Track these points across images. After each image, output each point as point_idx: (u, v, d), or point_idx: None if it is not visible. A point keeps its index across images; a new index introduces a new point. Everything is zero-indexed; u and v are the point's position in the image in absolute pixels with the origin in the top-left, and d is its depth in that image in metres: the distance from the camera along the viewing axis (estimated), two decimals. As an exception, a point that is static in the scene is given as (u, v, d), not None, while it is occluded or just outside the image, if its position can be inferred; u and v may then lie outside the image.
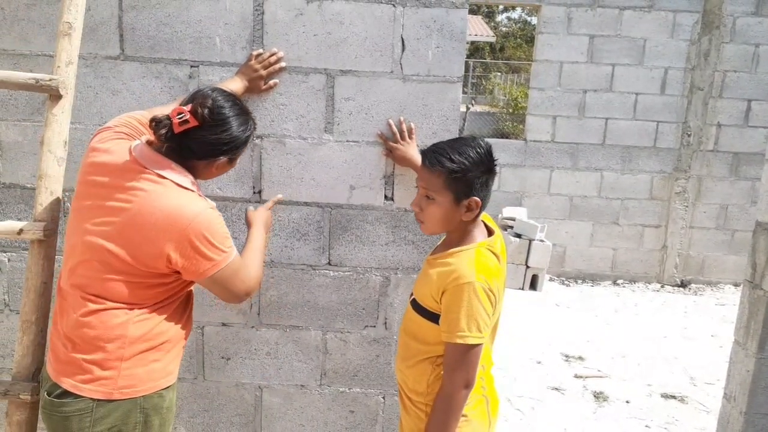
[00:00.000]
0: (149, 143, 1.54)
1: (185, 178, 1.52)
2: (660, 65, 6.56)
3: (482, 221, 1.71)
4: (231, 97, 1.56)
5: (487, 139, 1.63)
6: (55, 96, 1.74)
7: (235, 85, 1.99)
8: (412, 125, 2.11)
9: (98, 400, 1.48)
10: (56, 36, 1.78)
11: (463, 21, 2.07)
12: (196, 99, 1.50)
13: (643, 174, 6.80)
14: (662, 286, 6.90)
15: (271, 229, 2.04)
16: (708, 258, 6.94)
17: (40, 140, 1.73)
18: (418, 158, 2.06)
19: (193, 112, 1.46)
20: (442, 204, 1.59)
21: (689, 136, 6.63)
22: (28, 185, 2.17)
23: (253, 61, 2.04)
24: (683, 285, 6.93)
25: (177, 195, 1.49)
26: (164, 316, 1.56)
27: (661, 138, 6.71)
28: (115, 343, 1.49)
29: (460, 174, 1.55)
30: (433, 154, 1.59)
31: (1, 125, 2.14)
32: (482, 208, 1.62)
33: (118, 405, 1.49)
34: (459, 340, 1.52)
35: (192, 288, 1.69)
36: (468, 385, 1.55)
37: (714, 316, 5.96)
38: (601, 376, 4.35)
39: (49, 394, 1.51)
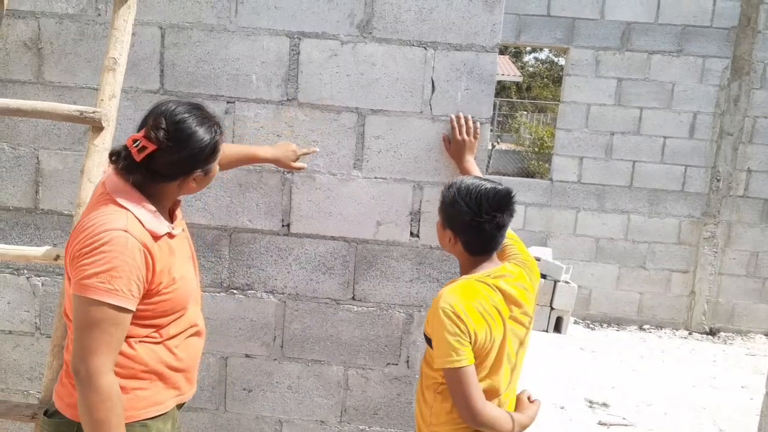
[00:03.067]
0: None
1: (134, 204, 1.42)
2: (689, 109, 6.54)
3: (496, 258, 1.73)
4: (189, 106, 1.46)
5: (515, 192, 1.66)
6: (98, 128, 1.81)
7: (265, 152, 2.04)
8: (479, 125, 2.13)
9: (80, 423, 1.44)
10: (101, 70, 1.86)
11: (493, 64, 2.11)
12: (149, 121, 1.42)
13: (671, 218, 6.72)
14: (690, 333, 6.74)
15: None
16: (738, 306, 6.77)
17: (81, 169, 1.80)
18: (466, 160, 2.10)
19: (146, 137, 1.39)
20: (438, 223, 1.73)
21: (718, 181, 6.55)
22: (66, 212, 2.24)
23: (290, 143, 2.11)
24: (712, 333, 6.76)
25: (105, 212, 1.40)
26: (141, 347, 1.47)
27: (689, 182, 6.65)
28: None
29: (443, 204, 1.68)
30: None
31: (43, 153, 2.23)
32: (470, 247, 1.66)
33: None
34: (440, 365, 1.57)
35: (190, 326, 1.60)
36: (476, 404, 1.54)
37: (744, 366, 5.79)
38: (626, 425, 4.24)
39: (44, 413, 1.53)
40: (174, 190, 1.50)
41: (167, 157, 1.41)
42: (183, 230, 1.61)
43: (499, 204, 1.61)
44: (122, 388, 1.42)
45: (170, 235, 1.50)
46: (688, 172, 6.63)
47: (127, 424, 1.44)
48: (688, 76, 6.49)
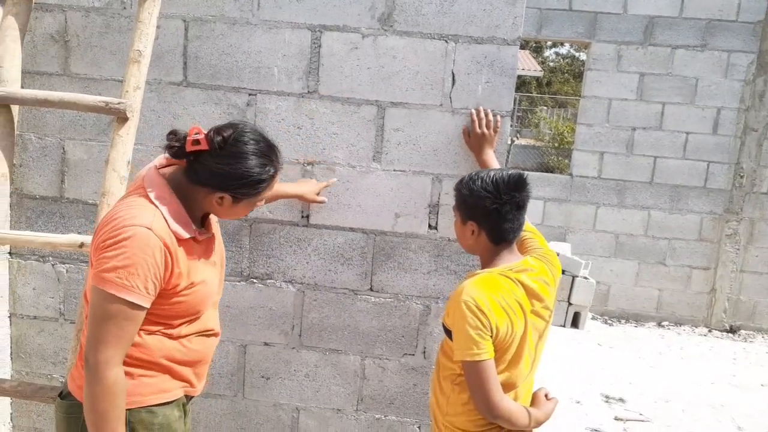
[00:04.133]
0: (162, 166, 1.52)
1: (164, 203, 1.43)
2: (712, 105, 6.45)
3: (517, 251, 1.74)
4: (259, 136, 1.47)
5: (526, 173, 1.68)
6: (122, 118, 1.85)
7: (291, 189, 2.13)
8: (499, 119, 2.13)
9: None
10: (126, 62, 1.90)
11: (514, 57, 2.11)
12: (222, 125, 1.45)
13: (692, 214, 6.64)
14: (710, 331, 6.67)
15: None
16: (759, 304, 6.69)
17: (106, 159, 1.84)
18: (485, 153, 2.11)
19: (206, 136, 1.41)
20: (456, 222, 1.75)
21: (742, 177, 6.46)
22: (90, 201, 2.29)
23: (312, 180, 2.21)
24: (732, 330, 6.68)
25: (133, 205, 1.42)
26: (150, 338, 1.49)
27: (711, 178, 6.56)
28: None
29: (461, 199, 1.69)
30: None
31: (69, 144, 2.27)
32: (494, 235, 1.66)
33: None
34: (460, 358, 1.58)
35: (204, 330, 1.60)
36: (494, 397, 1.56)
37: (765, 364, 5.72)
38: (642, 420, 4.22)
39: (59, 394, 1.57)
40: (201, 199, 1.48)
41: (210, 162, 1.42)
42: (213, 236, 1.60)
43: (516, 184, 1.64)
44: (128, 374, 1.44)
45: (195, 240, 1.50)
46: (711, 168, 6.55)
47: (133, 410, 1.47)
48: (712, 71, 6.40)
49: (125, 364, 1.43)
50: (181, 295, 1.48)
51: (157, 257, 1.38)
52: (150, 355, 1.49)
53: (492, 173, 1.66)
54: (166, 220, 1.41)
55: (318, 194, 2.19)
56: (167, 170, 1.49)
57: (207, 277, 1.55)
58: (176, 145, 1.42)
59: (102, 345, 1.37)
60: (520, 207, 1.65)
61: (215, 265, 1.61)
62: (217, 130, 1.42)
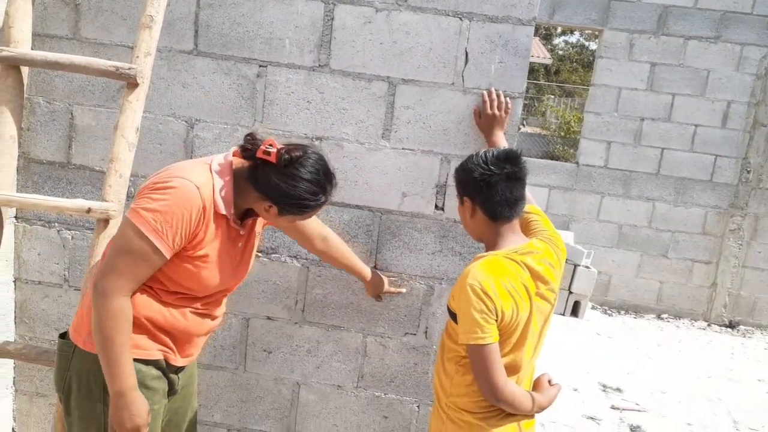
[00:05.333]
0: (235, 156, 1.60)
1: (221, 179, 1.53)
2: (722, 98, 6.41)
3: (521, 233, 1.74)
4: (321, 166, 1.56)
5: (533, 164, 1.75)
6: (132, 84, 1.83)
7: (363, 268, 2.17)
8: (509, 101, 2.11)
9: (76, 345, 1.56)
10: (138, 28, 1.87)
11: (528, 38, 2.08)
12: (294, 145, 1.55)
13: (697, 208, 6.63)
14: (709, 325, 6.69)
15: None
16: (760, 300, 6.69)
17: (115, 125, 1.82)
18: (495, 134, 2.09)
19: (278, 150, 1.51)
20: (458, 205, 1.75)
21: (749, 172, 6.43)
22: (97, 168, 2.28)
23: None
24: (731, 325, 6.70)
25: (193, 164, 1.55)
26: (138, 296, 1.53)
27: (718, 172, 6.54)
28: None
29: (457, 178, 1.73)
30: None
31: (77, 109, 2.26)
32: (488, 209, 1.65)
33: (87, 355, 1.54)
34: (464, 341, 1.58)
35: (193, 301, 1.63)
36: (498, 381, 1.56)
37: (762, 360, 5.74)
38: (638, 410, 4.24)
39: (60, 334, 1.65)
40: (251, 198, 1.58)
41: (271, 174, 1.52)
42: (244, 236, 1.66)
43: (506, 157, 1.64)
44: None
45: (228, 224, 1.58)
46: (718, 162, 6.52)
47: None
48: (724, 63, 6.35)
49: None
50: (192, 263, 1.54)
51: (193, 215, 1.48)
52: (134, 310, 1.53)
53: (484, 150, 1.67)
54: (213, 191, 1.52)
55: (380, 296, 2.24)
56: (235, 160, 1.58)
57: (219, 262, 1.60)
58: (249, 148, 1.53)
59: (113, 273, 1.45)
60: (511, 179, 1.63)
61: (234, 261, 1.66)
62: (288, 149, 1.52)
